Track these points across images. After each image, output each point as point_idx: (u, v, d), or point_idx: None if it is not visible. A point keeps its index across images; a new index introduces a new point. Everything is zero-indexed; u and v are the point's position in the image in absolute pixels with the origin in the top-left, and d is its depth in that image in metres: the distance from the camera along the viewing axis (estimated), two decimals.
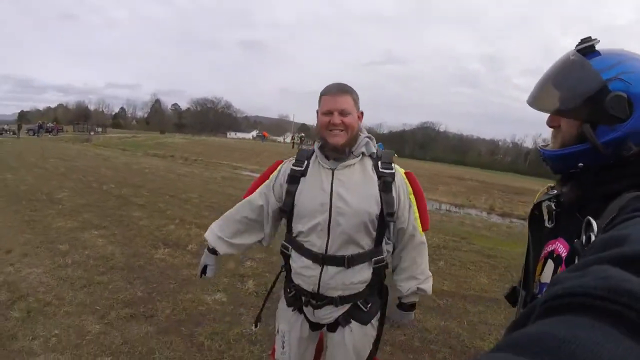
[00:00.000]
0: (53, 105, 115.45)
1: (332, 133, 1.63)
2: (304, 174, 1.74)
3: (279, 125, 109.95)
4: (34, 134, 39.21)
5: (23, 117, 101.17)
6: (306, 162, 1.77)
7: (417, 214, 1.74)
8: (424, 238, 1.79)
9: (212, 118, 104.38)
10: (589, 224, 0.81)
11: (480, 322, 4.03)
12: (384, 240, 1.71)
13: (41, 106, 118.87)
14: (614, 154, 0.88)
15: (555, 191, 1.08)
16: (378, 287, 1.78)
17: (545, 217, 1.09)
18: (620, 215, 0.73)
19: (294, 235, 1.75)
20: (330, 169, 1.69)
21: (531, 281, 1.10)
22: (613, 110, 0.86)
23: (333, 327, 1.78)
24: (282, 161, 1.90)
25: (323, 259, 1.67)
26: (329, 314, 1.74)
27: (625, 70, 0.87)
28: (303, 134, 59.57)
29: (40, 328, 3.12)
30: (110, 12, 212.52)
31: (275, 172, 1.87)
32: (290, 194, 1.73)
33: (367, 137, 1.74)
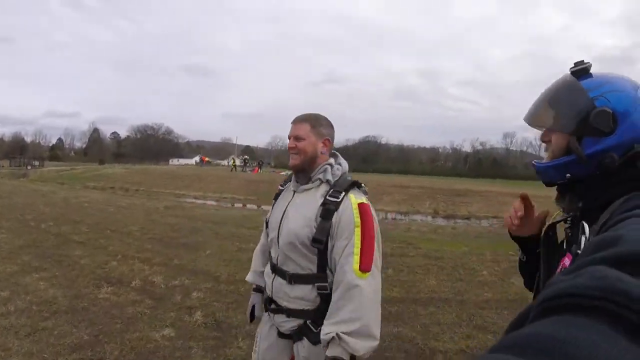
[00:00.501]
0: None
1: (291, 156, 1.82)
2: (280, 193, 1.99)
3: (222, 149, 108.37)
4: None
5: None
6: (287, 184, 1.99)
7: (357, 249, 1.63)
8: (359, 279, 1.60)
9: (152, 145, 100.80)
10: (583, 228, 0.85)
11: (432, 324, 4.13)
12: (327, 268, 1.72)
13: None
14: (600, 165, 0.92)
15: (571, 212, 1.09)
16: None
17: (558, 237, 1.13)
18: (612, 218, 0.77)
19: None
20: (293, 191, 1.87)
21: None
22: (598, 124, 0.91)
23: (292, 338, 1.84)
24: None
25: (274, 269, 1.85)
26: (283, 322, 1.81)
27: (611, 89, 0.94)
28: (247, 157, 59.03)
29: None
30: (51, 35, 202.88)
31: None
32: (272, 208, 1.98)
33: (328, 164, 1.82)
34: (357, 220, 1.67)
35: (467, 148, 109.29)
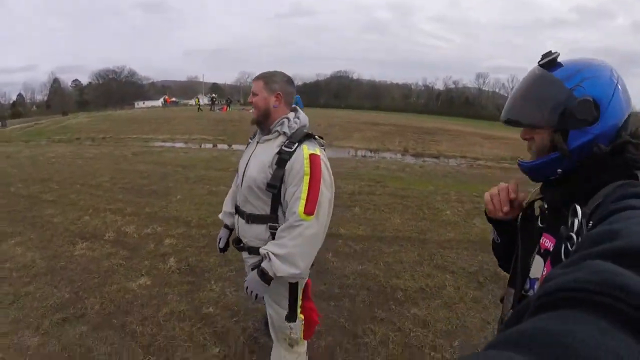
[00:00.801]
0: None
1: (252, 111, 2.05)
2: (250, 142, 2.22)
3: (189, 88, 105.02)
4: None
5: None
6: (255, 137, 2.20)
7: (304, 194, 1.83)
8: (302, 220, 1.82)
9: (116, 89, 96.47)
10: (575, 210, 0.84)
11: (395, 262, 4.34)
12: (279, 208, 1.95)
13: None
14: (589, 155, 0.92)
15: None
16: None
17: (537, 216, 1.12)
18: (605, 203, 0.77)
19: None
20: (257, 142, 2.11)
21: (519, 279, 1.12)
22: (581, 114, 0.90)
23: None
24: None
25: (237, 211, 2.15)
26: (247, 258, 2.17)
27: (588, 75, 0.92)
28: (215, 95, 57.40)
29: None
30: None
31: None
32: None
33: (286, 117, 2.00)
34: (307, 169, 1.85)
35: (439, 86, 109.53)
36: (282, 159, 1.88)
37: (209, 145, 17.19)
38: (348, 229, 5.35)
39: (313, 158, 1.88)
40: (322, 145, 2.02)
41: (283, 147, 1.91)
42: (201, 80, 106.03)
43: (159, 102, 77.08)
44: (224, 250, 2.48)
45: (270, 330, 2.28)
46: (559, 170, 0.97)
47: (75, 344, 3.00)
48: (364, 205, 6.55)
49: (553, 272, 0.43)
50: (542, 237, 1.06)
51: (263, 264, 1.88)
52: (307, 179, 1.85)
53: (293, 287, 2.07)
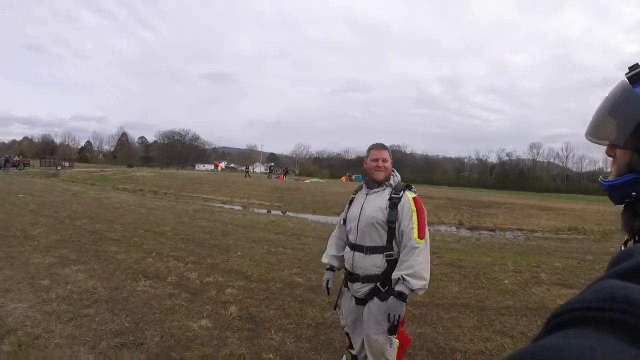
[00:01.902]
0: (18, 138, 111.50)
1: (377, 172, 2.72)
2: (354, 198, 2.90)
3: (248, 155, 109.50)
4: (0, 168, 37.63)
5: None
6: (358, 192, 2.90)
7: (415, 224, 2.55)
8: (418, 243, 2.51)
9: (179, 150, 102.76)
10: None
11: (454, 326, 4.28)
12: (393, 241, 2.62)
13: (6, 139, 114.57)
14: None
15: None
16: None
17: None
18: None
19: (347, 234, 2.82)
20: (365, 194, 2.80)
21: None
22: None
23: (365, 302, 2.68)
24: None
25: (353, 247, 2.71)
26: (359, 288, 2.68)
27: None
28: (272, 164, 59.67)
29: None
30: (77, 44, 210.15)
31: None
32: (348, 210, 2.87)
33: (393, 175, 2.78)
34: (414, 208, 2.60)
35: (492, 159, 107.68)
36: (394, 202, 2.61)
37: (264, 211, 17.65)
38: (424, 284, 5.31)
39: (416, 200, 2.66)
40: (416, 192, 2.73)
41: (392, 195, 2.65)
42: (259, 149, 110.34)
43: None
44: (329, 292, 3.02)
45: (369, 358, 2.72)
46: (634, 193, 0.90)
47: None
48: None
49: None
50: None
51: (398, 288, 2.48)
52: (415, 214, 2.57)
53: None
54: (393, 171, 2.80)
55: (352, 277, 2.72)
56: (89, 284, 5.06)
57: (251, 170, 48.96)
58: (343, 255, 2.89)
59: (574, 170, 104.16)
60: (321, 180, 48.93)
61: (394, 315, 2.47)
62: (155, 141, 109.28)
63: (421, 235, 2.53)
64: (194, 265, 6.27)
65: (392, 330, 2.54)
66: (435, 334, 4.06)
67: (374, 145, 2.81)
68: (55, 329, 3.74)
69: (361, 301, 2.72)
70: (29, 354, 3.27)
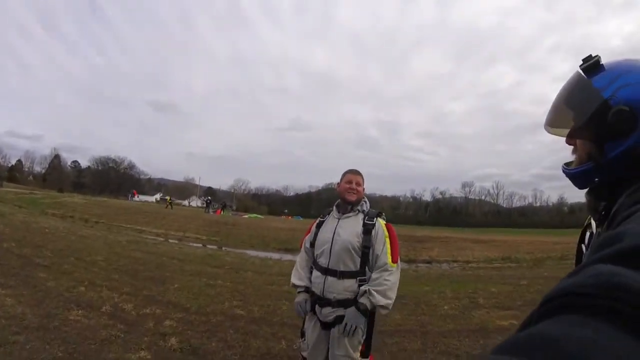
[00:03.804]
0: None
1: (349, 194, 2.78)
2: (322, 222, 2.93)
3: (185, 188, 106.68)
4: None
5: None
6: (327, 216, 2.94)
7: (388, 249, 2.64)
8: (391, 267, 2.61)
9: (113, 178, 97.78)
10: (590, 225, 0.86)
11: (399, 350, 4.38)
12: (366, 266, 2.65)
13: None
14: (627, 165, 0.85)
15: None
16: None
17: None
18: (620, 211, 0.73)
19: (315, 258, 2.82)
20: (337, 218, 2.82)
21: None
22: (616, 125, 0.84)
23: (333, 325, 2.65)
24: (316, 221, 3.02)
25: (325, 272, 2.69)
26: (329, 312, 2.65)
27: (626, 82, 0.86)
28: (209, 198, 58.84)
29: None
30: (26, 57, 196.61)
31: (313, 227, 2.98)
32: (316, 233, 2.88)
33: (364, 201, 2.85)
34: (387, 233, 2.70)
35: (427, 197, 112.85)
36: (368, 228, 2.68)
37: (199, 245, 17.12)
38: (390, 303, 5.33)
39: (388, 226, 2.76)
40: (385, 219, 2.82)
41: (366, 221, 2.72)
42: (197, 182, 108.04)
43: (152, 198, 78.33)
44: (309, 311, 2.88)
45: None
46: (596, 179, 0.92)
47: None
48: None
49: (560, 281, 0.43)
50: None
51: (362, 300, 2.53)
52: (388, 240, 2.67)
53: (371, 323, 2.70)
54: (364, 199, 2.88)
55: (322, 301, 2.69)
56: (17, 310, 4.65)
57: (175, 201, 47.72)
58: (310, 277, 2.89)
59: (504, 206, 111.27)
60: (260, 216, 48.61)
61: (351, 326, 2.50)
62: (89, 167, 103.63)
63: (394, 260, 2.63)
64: (129, 297, 5.90)
65: (364, 353, 2.67)
66: (382, 359, 4.06)
67: (349, 170, 2.92)
68: None
69: (328, 326, 2.71)
70: None
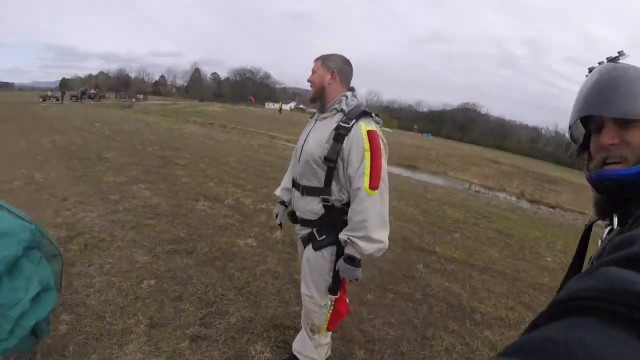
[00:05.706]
0: (94, 73, 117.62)
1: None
2: (308, 122, 2.30)
3: None
4: (76, 100, 39.32)
5: (64, 84, 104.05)
6: (314, 116, 2.28)
7: (367, 170, 1.89)
8: (369, 195, 1.89)
9: (250, 88, 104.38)
10: (595, 222, 0.79)
11: (482, 289, 4.29)
12: (332, 182, 2.02)
13: (83, 74, 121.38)
14: None
15: None
16: (331, 225, 2.08)
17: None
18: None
19: None
20: (315, 119, 2.20)
21: None
22: None
23: (305, 244, 2.21)
24: None
25: (294, 184, 2.23)
26: (299, 230, 2.24)
27: None
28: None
29: (96, 258, 3.70)
30: None
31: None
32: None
33: (344, 95, 2.06)
34: (367, 145, 1.89)
35: None
36: (340, 134, 1.93)
37: None
38: (444, 249, 5.41)
39: (371, 134, 1.92)
40: (379, 123, 2.04)
41: (340, 123, 1.95)
42: None
43: (287, 107, 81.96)
44: (281, 224, 2.55)
45: (302, 313, 2.36)
46: None
47: (179, 270, 3.66)
48: (465, 233, 6.51)
49: (570, 281, 0.42)
50: None
51: (347, 251, 1.95)
52: (367, 155, 1.89)
53: (338, 256, 2.11)
54: (352, 90, 2.12)
55: (292, 217, 2.28)
56: (153, 200, 5.67)
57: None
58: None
59: None
60: (389, 130, 47.39)
61: (349, 279, 2.03)
62: (227, 78, 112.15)
63: (373, 185, 1.89)
64: (251, 193, 6.81)
65: (332, 289, 2.15)
66: (461, 291, 4.11)
67: None
68: (118, 234, 4.30)
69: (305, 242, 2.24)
70: (92, 253, 3.79)
